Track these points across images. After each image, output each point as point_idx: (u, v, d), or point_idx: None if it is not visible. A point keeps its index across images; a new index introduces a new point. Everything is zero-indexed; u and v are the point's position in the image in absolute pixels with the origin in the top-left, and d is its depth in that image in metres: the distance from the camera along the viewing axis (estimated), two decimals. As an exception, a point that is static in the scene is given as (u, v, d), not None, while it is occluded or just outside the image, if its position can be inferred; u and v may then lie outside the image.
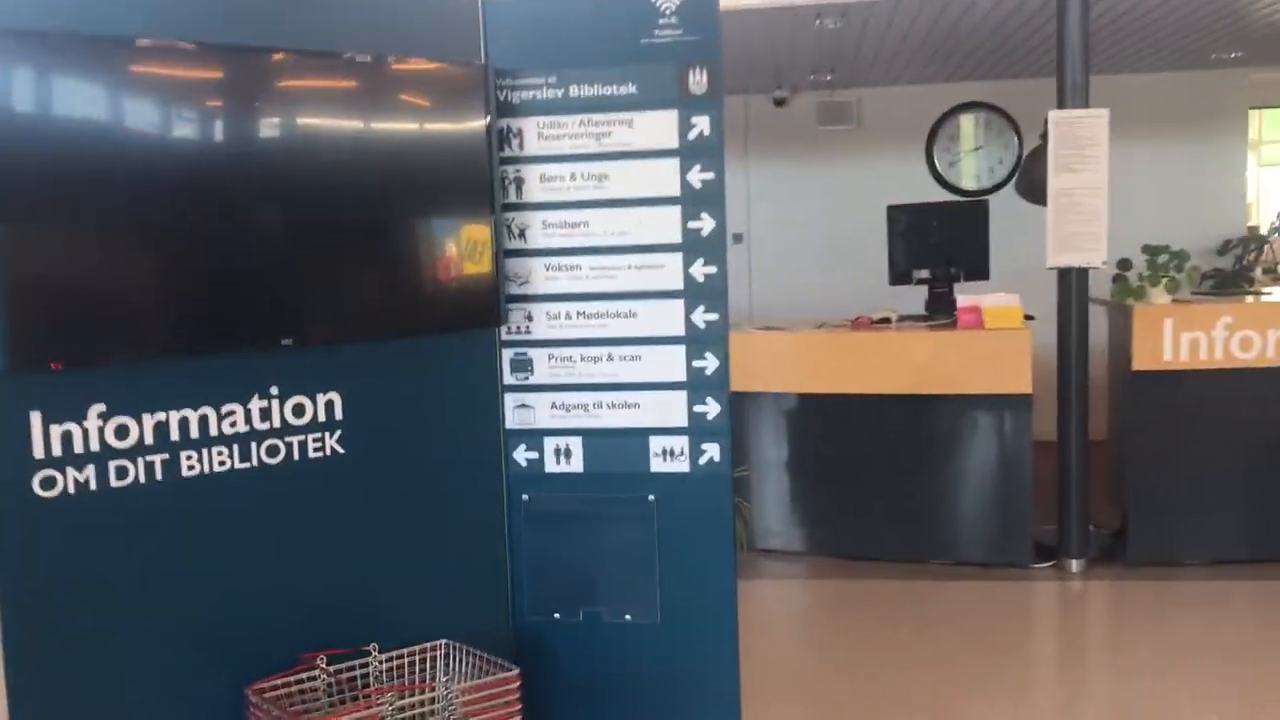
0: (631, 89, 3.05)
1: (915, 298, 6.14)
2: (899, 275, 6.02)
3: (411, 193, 2.98)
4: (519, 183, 3.11)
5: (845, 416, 5.84)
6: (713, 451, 3.15)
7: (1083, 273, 5.51)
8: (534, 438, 3.18)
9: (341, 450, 2.93)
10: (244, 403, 2.78)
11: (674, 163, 3.04)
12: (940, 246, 5.94)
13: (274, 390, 2.83)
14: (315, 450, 2.90)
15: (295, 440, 2.86)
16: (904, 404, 5.78)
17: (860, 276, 6.70)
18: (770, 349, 5.98)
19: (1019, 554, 5.68)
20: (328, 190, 2.82)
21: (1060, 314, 5.62)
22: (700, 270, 3.07)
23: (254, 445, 2.80)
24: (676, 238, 3.05)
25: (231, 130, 2.69)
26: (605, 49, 3.04)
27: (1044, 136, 5.84)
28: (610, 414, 3.13)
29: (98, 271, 2.54)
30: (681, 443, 3.11)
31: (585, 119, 3.06)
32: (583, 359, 3.13)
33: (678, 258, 3.06)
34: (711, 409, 3.10)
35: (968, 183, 8.63)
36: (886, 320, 5.97)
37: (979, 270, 5.96)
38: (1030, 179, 6.19)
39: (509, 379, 3.17)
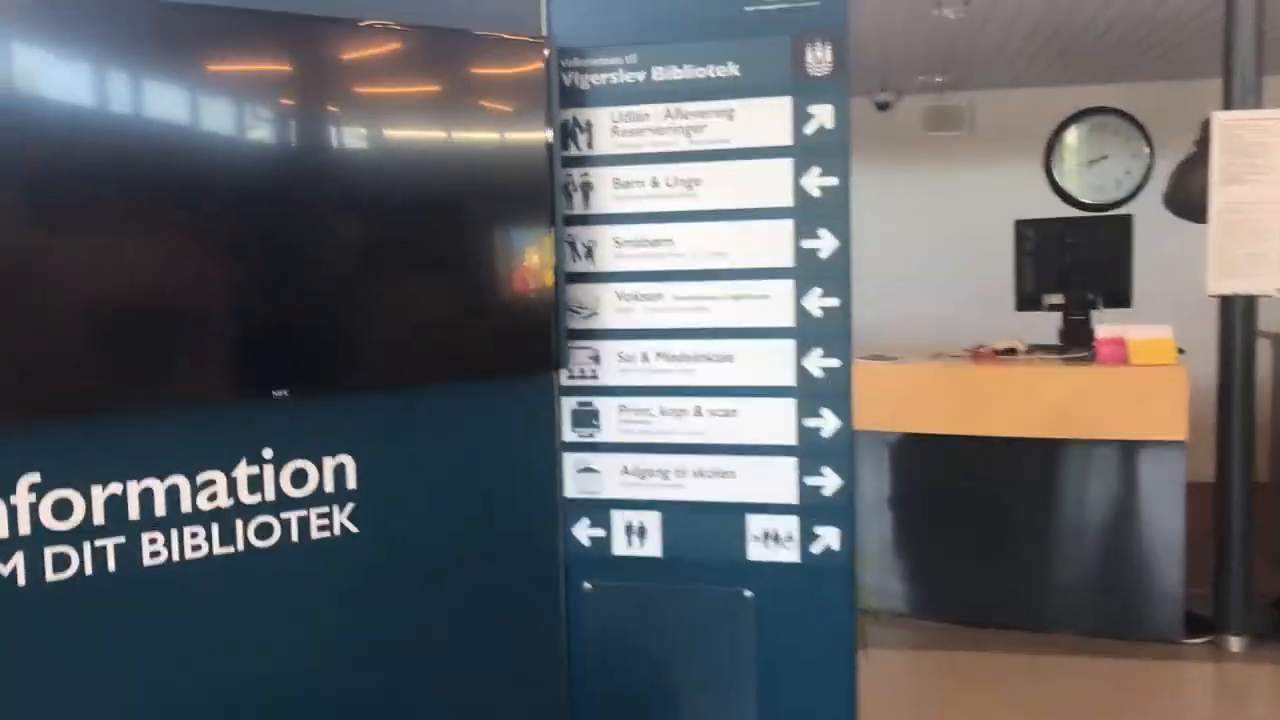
0: (732, 70, 2.51)
1: (1044, 326, 5.36)
2: (1027, 299, 5.24)
3: (446, 200, 2.38)
4: (586, 189, 2.60)
5: (963, 461, 5.08)
6: (830, 537, 2.51)
7: (1250, 301, 4.68)
8: (600, 511, 2.65)
9: (354, 529, 2.35)
10: (227, 470, 2.21)
11: (786, 164, 2.49)
12: (1076, 268, 5.16)
13: (267, 453, 2.25)
14: (320, 529, 2.31)
15: (294, 516, 2.28)
16: (1032, 449, 5.01)
17: (977, 299, 5.95)
18: (877, 381, 5.24)
19: (1167, 627, 4.86)
20: (332, 194, 2.22)
21: (1222, 349, 4.80)
22: (817, 303, 2.52)
23: (240, 524, 2.22)
24: (788, 260, 2.51)
25: (201, 109, 2.07)
26: (699, 19, 2.52)
27: (1200, 143, 5.03)
28: (697, 484, 2.59)
29: (21, 300, 1.91)
30: (789, 524, 2.55)
31: (672, 109, 2.54)
32: (663, 412, 2.60)
33: (788, 286, 2.52)
34: (829, 482, 2.53)
35: (1091, 195, 7.81)
36: (1012, 351, 5.20)
37: (1121, 296, 5.16)
38: (1183, 191, 5.36)
39: (569, 435, 2.65)
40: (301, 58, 2.18)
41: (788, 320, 2.51)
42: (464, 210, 2.40)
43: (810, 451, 2.52)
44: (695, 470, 2.57)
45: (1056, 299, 5.35)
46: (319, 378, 2.25)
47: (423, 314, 2.39)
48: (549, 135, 2.47)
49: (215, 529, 2.19)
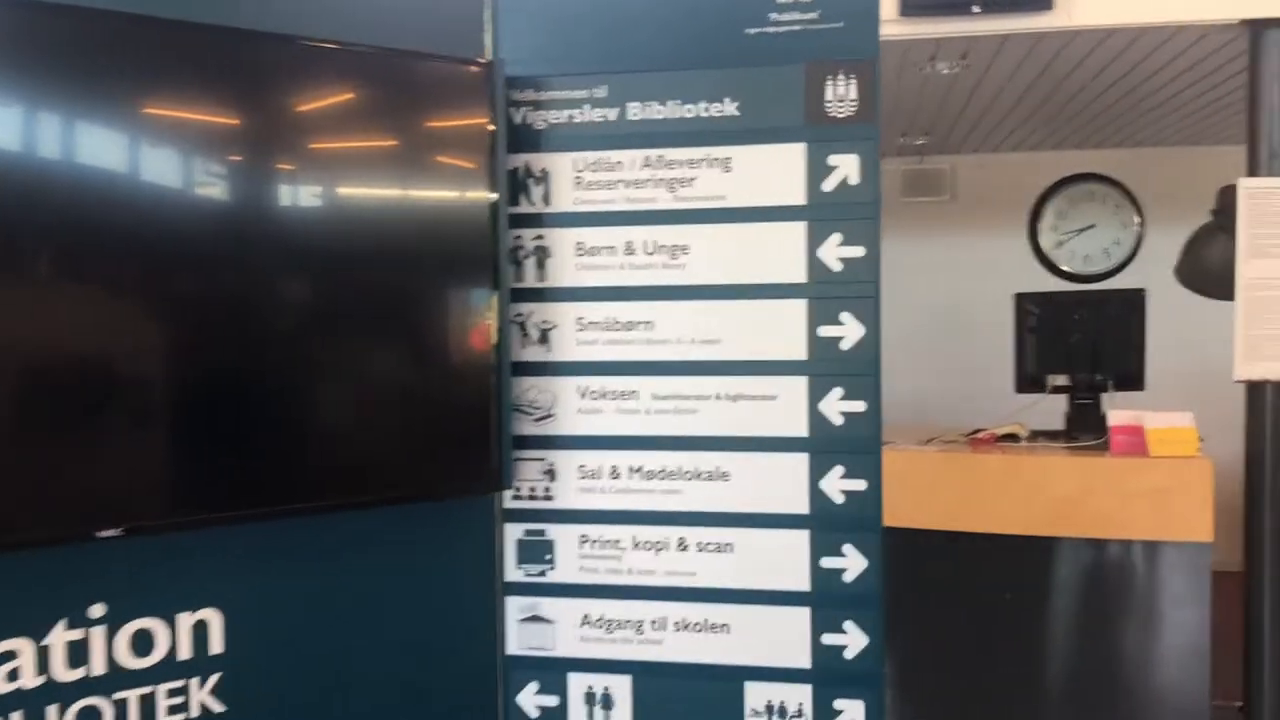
0: (729, 109, 2.08)
1: (1045, 410, 4.90)
2: (1029, 381, 4.80)
3: (347, 268, 1.87)
4: (541, 255, 2.14)
5: (958, 561, 4.60)
6: (854, 714, 2.05)
7: (1280, 388, 4.22)
8: (553, 673, 2.17)
9: (220, 707, 1.82)
10: (36, 636, 1.65)
11: (798, 229, 2.07)
12: (1083, 346, 4.71)
13: (95, 611, 1.71)
14: (172, 710, 1.79)
15: (134, 695, 1.75)
16: (1036, 549, 4.56)
17: (965, 378, 5.58)
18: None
19: (1191, 748, 4.34)
20: (191, 256, 1.72)
21: (1250, 440, 4.36)
22: (837, 407, 2.08)
23: (54, 711, 1.67)
24: (800, 351, 2.08)
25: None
26: (687, 44, 2.09)
27: (1216, 212, 4.63)
28: (680, 640, 2.12)
29: None
30: (800, 696, 2.08)
31: (652, 156, 2.11)
32: (637, 545, 2.14)
33: (801, 384, 2.08)
34: (853, 640, 2.07)
35: (1077, 266, 7.50)
36: (1013, 437, 4.71)
37: (1132, 378, 4.72)
38: (1199, 264, 4.96)
39: (514, 574, 2.18)
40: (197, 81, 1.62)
41: (800, 428, 2.08)
42: (372, 283, 1.86)
43: (829, 600, 2.08)
44: (679, 622, 2.13)
45: (1062, 380, 4.91)
46: (166, 508, 1.70)
47: (315, 418, 1.86)
48: (492, 185, 1.99)
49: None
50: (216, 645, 1.79)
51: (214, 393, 1.73)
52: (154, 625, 1.73)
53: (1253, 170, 4.31)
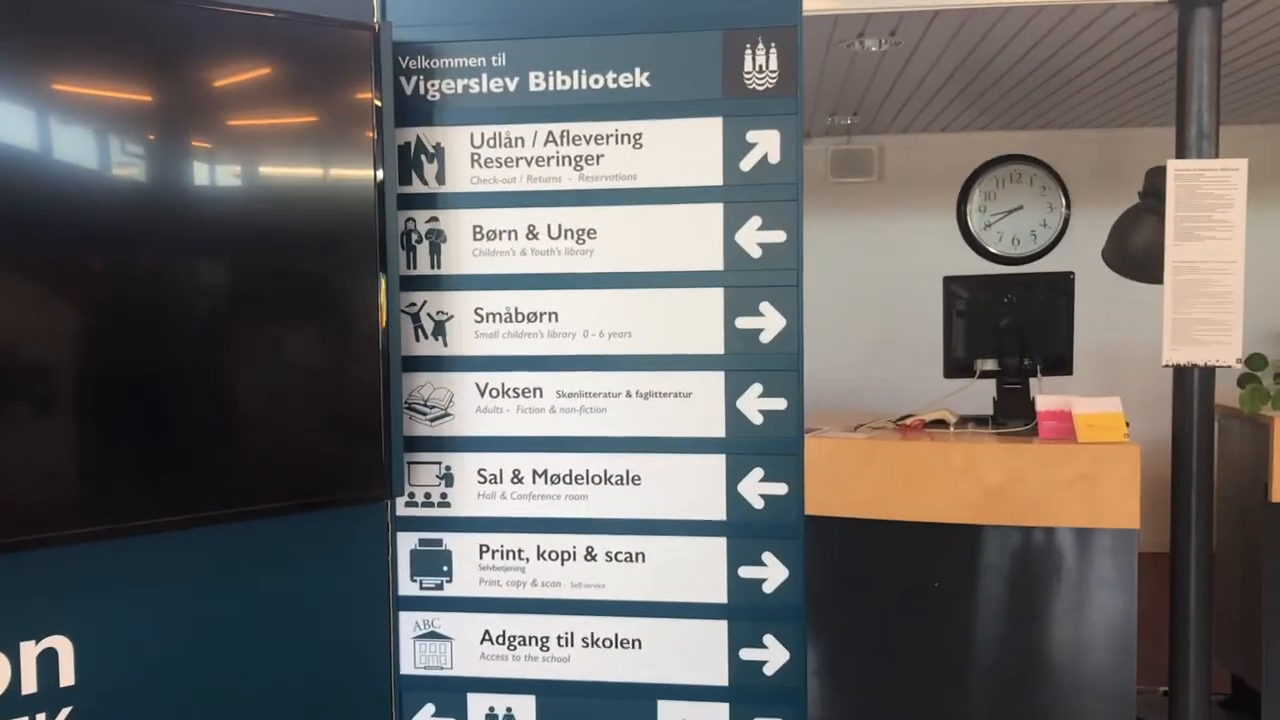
0: (640, 79, 1.96)
1: (976, 394, 4.84)
2: (957, 365, 4.71)
3: (216, 254, 1.71)
4: (435, 240, 2.02)
5: (887, 549, 4.53)
6: None
7: (1208, 373, 4.20)
8: (450, 694, 2.06)
9: None
10: None
11: (714, 211, 1.96)
12: (1013, 330, 4.65)
13: None
14: None
15: None
16: (965, 537, 4.48)
17: (895, 363, 5.56)
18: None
19: (1116, 737, 4.34)
20: (32, 240, 1.51)
21: (1177, 426, 4.34)
22: (756, 405, 1.97)
23: None
24: (716, 345, 1.98)
25: None
26: (596, 8, 1.98)
27: (1145, 194, 4.60)
28: (589, 657, 2.03)
29: None
30: (716, 715, 2.00)
31: (556, 131, 2.00)
32: (541, 555, 2.04)
33: (716, 381, 1.99)
34: (773, 655, 2.00)
35: (1004, 248, 7.50)
36: (942, 423, 4.65)
37: (1061, 362, 4.67)
38: (1125, 247, 4.92)
39: (408, 587, 2.07)
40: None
41: (716, 428, 1.98)
42: (242, 266, 1.72)
43: (747, 612, 1.98)
44: (586, 637, 2.03)
45: (990, 365, 4.86)
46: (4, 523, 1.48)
47: (180, 419, 1.69)
48: (378, 161, 1.83)
49: None
50: (67, 677, 1.64)
51: (57, 392, 1.55)
52: (-9, 656, 1.57)
53: (1181, 152, 4.26)
